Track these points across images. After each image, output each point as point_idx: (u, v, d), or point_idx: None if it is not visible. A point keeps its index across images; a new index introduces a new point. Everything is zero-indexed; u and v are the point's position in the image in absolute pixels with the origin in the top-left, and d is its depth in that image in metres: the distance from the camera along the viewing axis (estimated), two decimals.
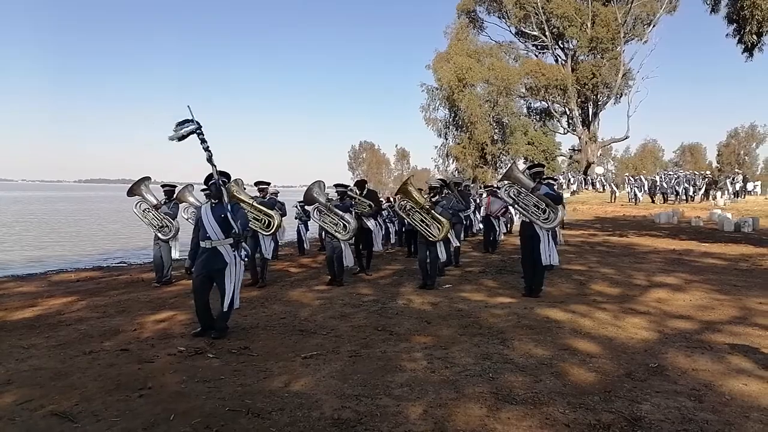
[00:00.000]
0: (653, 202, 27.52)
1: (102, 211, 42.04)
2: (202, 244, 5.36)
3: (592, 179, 38.37)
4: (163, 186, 9.14)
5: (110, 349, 4.94)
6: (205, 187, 5.73)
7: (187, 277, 9.42)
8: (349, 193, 9.04)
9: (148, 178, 8.85)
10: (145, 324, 5.99)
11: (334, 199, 8.59)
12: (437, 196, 8.14)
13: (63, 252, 16.84)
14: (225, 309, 5.36)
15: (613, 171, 55.72)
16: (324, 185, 8.47)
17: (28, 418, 3.41)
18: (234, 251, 5.36)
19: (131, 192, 8.71)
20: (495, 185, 14.26)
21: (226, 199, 5.40)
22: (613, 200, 29.56)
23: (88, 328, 5.83)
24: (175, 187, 9.18)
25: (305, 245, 13.39)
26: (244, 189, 9.44)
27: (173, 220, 8.70)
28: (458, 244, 9.74)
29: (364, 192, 9.67)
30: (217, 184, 5.35)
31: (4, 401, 3.68)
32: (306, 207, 8.88)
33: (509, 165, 7.98)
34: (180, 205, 9.19)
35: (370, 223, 9.45)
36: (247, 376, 4.15)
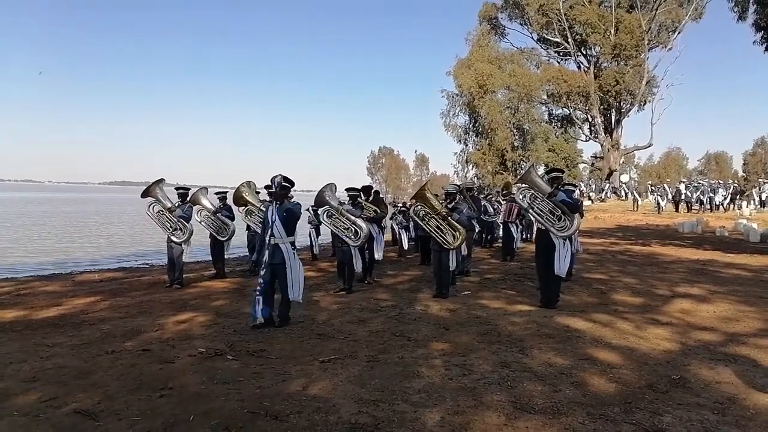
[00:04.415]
0: (677, 211, 27.05)
1: (124, 213, 42.71)
2: (267, 240, 5.90)
3: (614, 187, 37.86)
4: (177, 189, 9.24)
5: (132, 349, 5.02)
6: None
7: (205, 279, 9.62)
8: (358, 199, 9.02)
9: (162, 180, 8.90)
10: (166, 325, 6.07)
11: (345, 203, 8.58)
12: (453, 203, 8.09)
13: (87, 252, 17.18)
14: (294, 297, 5.88)
15: (636, 179, 54.87)
16: (336, 188, 8.44)
17: (53, 415, 3.48)
18: (293, 249, 5.96)
19: (146, 194, 8.75)
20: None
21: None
22: (635, 209, 29.12)
23: (111, 327, 5.94)
24: (188, 189, 9.27)
25: (315, 249, 13.39)
26: (258, 192, 9.52)
27: (187, 222, 8.78)
28: (466, 252, 9.49)
29: (370, 198, 9.68)
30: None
31: (30, 398, 3.77)
32: (318, 211, 8.82)
33: (527, 168, 7.77)
34: (194, 207, 9.27)
35: (373, 230, 9.35)
36: (266, 379, 4.18)
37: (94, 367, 4.50)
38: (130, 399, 3.74)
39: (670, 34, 38.76)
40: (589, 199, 34.51)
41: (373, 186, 10.97)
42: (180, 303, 7.44)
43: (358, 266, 8.11)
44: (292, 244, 6.02)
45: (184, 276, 9.13)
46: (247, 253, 11.04)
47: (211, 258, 10.27)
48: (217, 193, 10.15)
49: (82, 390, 3.93)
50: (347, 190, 8.86)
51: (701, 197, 26.80)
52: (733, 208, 26.57)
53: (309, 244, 13.60)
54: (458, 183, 12.56)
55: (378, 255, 9.68)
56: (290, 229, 5.99)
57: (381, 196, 11.42)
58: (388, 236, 16.38)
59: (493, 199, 15.52)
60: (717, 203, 26.74)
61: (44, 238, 21.35)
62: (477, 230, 12.25)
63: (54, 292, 8.55)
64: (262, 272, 5.90)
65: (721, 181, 31.50)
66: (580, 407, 3.62)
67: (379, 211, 9.43)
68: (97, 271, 11.98)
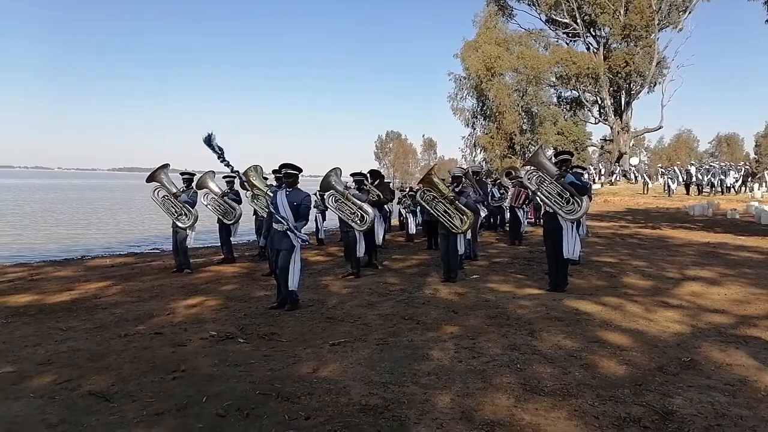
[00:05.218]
0: (687, 193, 26.84)
1: (133, 199, 42.95)
2: (276, 226, 5.93)
3: (624, 170, 37.57)
4: (182, 174, 9.26)
5: (144, 333, 5.08)
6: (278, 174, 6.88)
7: (215, 264, 9.68)
8: (364, 183, 9.02)
9: (167, 166, 8.88)
10: (177, 309, 6.13)
11: (352, 187, 8.58)
12: (459, 186, 8.05)
13: (96, 239, 17.31)
14: (292, 287, 5.95)
15: (646, 162, 54.38)
16: (341, 172, 8.42)
17: (68, 397, 3.54)
18: (300, 236, 5.97)
19: (151, 179, 8.74)
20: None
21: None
22: (645, 191, 28.93)
23: (123, 311, 6.01)
24: (194, 175, 9.28)
25: (321, 234, 13.40)
26: (266, 179, 9.49)
27: (192, 208, 8.79)
28: (470, 237, 9.32)
29: (376, 182, 9.73)
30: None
31: (45, 380, 3.83)
32: (324, 195, 8.80)
33: (535, 149, 7.64)
34: (199, 191, 9.29)
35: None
36: (277, 361, 4.22)
37: (108, 350, 4.56)
38: (143, 381, 3.79)
39: (680, 14, 38.06)
40: (594, 182, 34.31)
41: (380, 171, 10.97)
42: (191, 287, 7.50)
43: (361, 251, 8.09)
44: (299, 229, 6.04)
45: (192, 261, 9.19)
46: (256, 238, 11.07)
47: (219, 242, 10.33)
48: (225, 177, 10.18)
49: (96, 372, 3.99)
50: (353, 174, 8.85)
51: (712, 180, 26.57)
52: (745, 191, 26.34)
53: (315, 228, 13.61)
54: (464, 166, 12.47)
55: (378, 240, 9.66)
56: (298, 216, 6.00)
57: (387, 181, 11.41)
58: (395, 221, 16.40)
59: (500, 181, 15.42)
60: (728, 185, 26.52)
61: (53, 225, 21.50)
62: (484, 214, 12.21)
63: (66, 277, 8.64)
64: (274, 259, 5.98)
65: (732, 164, 31.18)
66: (589, 389, 3.62)
67: (382, 196, 9.43)
68: (109, 257, 12.08)
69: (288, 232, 5.90)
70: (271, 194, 6.34)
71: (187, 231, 8.77)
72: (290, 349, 4.55)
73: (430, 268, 8.88)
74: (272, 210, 6.03)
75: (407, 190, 16.67)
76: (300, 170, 6.23)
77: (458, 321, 5.47)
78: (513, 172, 15.15)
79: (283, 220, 5.87)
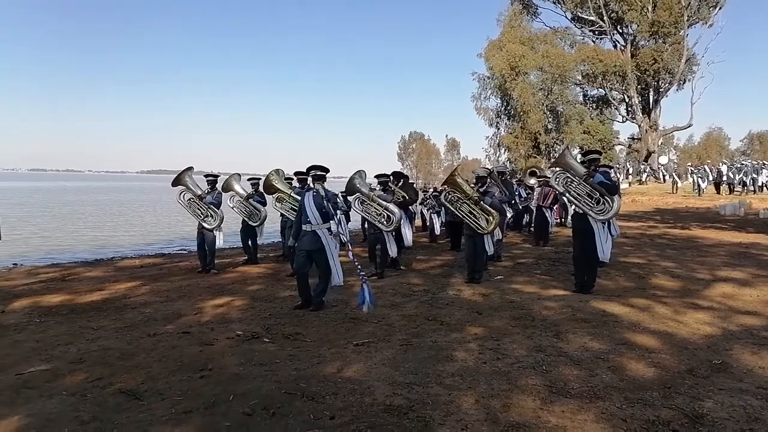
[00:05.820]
0: (718, 193, 26.20)
1: (160, 201, 43.71)
2: (304, 227, 6.10)
3: (653, 169, 36.82)
4: (206, 176, 9.39)
5: (173, 332, 5.17)
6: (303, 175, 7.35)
7: (241, 265, 9.80)
8: (389, 184, 9.05)
9: (191, 168, 9.01)
10: (204, 308, 6.23)
11: (377, 189, 8.61)
12: (484, 187, 8.00)
13: (125, 240, 17.67)
14: (338, 283, 6.16)
15: (675, 161, 53.24)
16: (365, 174, 8.45)
17: (99, 395, 3.63)
18: (330, 234, 6.10)
19: (176, 182, 8.90)
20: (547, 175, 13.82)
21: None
22: (674, 191, 28.34)
23: (152, 311, 6.12)
24: (217, 177, 9.42)
25: (345, 236, 13.36)
26: (290, 180, 9.56)
27: (217, 209, 8.92)
28: (500, 237, 9.23)
29: (400, 183, 9.82)
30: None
31: (77, 378, 3.93)
32: (348, 197, 8.85)
33: (561, 150, 7.53)
34: (224, 194, 9.41)
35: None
36: (302, 361, 4.26)
37: (137, 349, 4.65)
38: (171, 380, 3.86)
39: (710, 9, 37.12)
40: (620, 181, 33.66)
41: (403, 172, 11.03)
42: (217, 288, 7.60)
43: (393, 251, 8.15)
44: (329, 229, 6.14)
45: (217, 261, 9.31)
46: (281, 240, 11.18)
47: (241, 244, 10.44)
48: (250, 179, 10.30)
49: (126, 371, 4.08)
50: (377, 176, 8.88)
51: (744, 178, 25.91)
52: None
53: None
54: (489, 167, 12.41)
55: (407, 241, 9.67)
56: (326, 215, 6.08)
57: (411, 182, 11.43)
58: (418, 221, 16.38)
59: (524, 181, 15.30)
60: (760, 184, 25.80)
61: (82, 227, 22.01)
62: (510, 215, 12.13)
63: (97, 278, 8.83)
64: (299, 259, 6.02)
65: (765, 162, 30.29)
66: (617, 392, 3.57)
67: (407, 197, 9.47)
68: (138, 258, 12.32)
69: (318, 231, 6.03)
70: (299, 196, 6.42)
71: (215, 232, 8.91)
72: (315, 349, 4.59)
73: (454, 269, 8.84)
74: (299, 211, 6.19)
75: (430, 190, 16.63)
76: (327, 170, 6.37)
77: (482, 322, 5.44)
78: (537, 171, 15.01)
79: (312, 220, 6.02)
